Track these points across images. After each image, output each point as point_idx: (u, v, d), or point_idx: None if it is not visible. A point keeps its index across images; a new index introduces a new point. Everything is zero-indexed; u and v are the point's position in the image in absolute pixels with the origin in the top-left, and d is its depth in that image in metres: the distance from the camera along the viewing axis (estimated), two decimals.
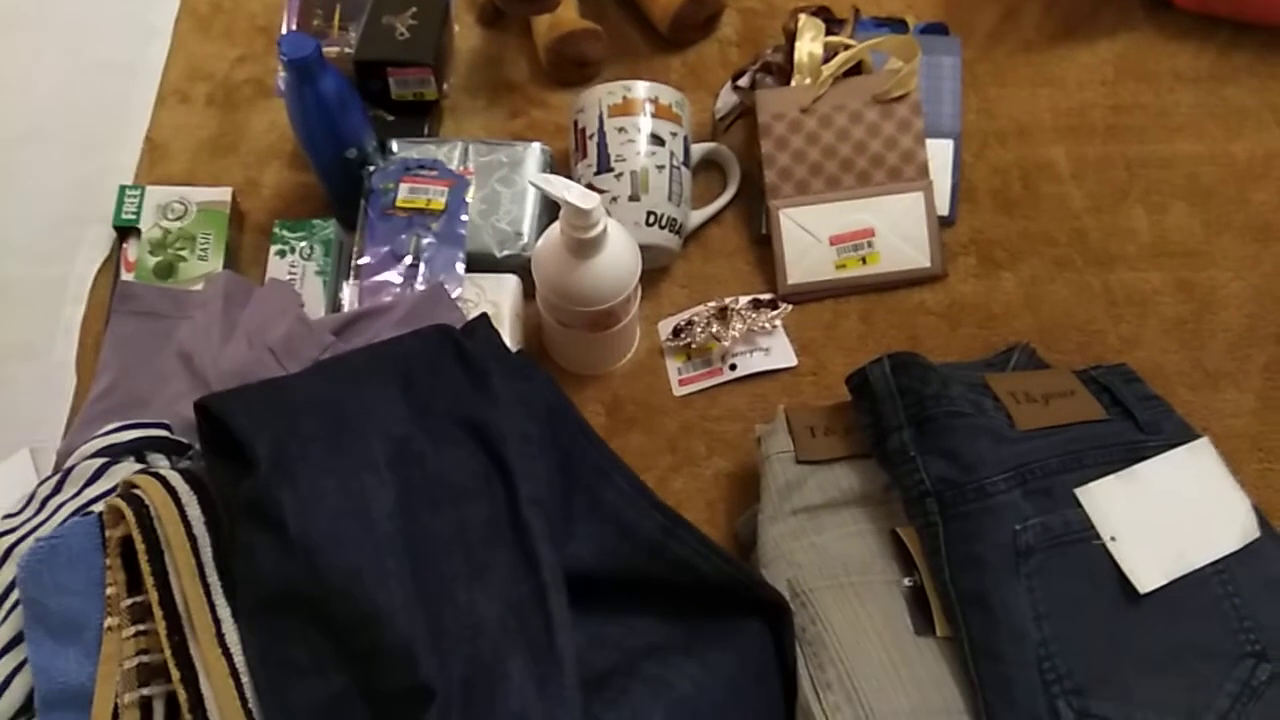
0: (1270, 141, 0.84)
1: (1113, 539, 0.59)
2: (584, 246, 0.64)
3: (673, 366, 0.77)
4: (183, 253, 0.77)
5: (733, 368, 0.76)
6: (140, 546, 0.49)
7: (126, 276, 0.77)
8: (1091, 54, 0.88)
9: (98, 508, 0.56)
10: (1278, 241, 0.80)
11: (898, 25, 0.86)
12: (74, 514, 0.58)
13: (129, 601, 0.51)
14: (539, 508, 0.53)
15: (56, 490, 0.60)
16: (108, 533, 0.51)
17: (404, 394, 0.56)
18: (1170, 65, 0.87)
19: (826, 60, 0.79)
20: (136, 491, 0.51)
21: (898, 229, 0.78)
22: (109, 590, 0.51)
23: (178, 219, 0.78)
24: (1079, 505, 0.60)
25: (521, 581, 0.51)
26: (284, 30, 0.89)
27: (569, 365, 0.76)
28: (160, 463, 0.61)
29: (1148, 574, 0.58)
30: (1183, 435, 0.65)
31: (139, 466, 0.61)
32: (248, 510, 0.50)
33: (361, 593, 0.47)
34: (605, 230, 0.64)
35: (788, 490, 0.64)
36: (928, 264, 0.78)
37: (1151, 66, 0.87)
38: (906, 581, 0.61)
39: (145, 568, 0.50)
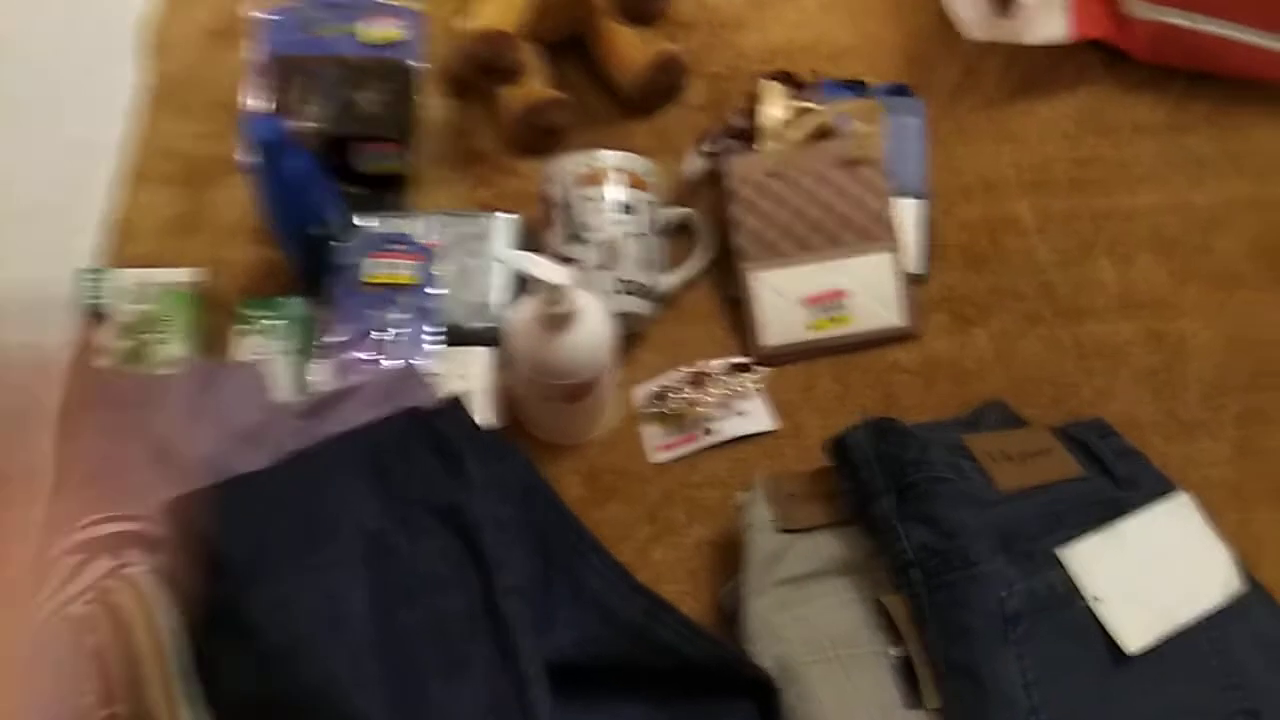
0: (1230, 189, 0.85)
1: (1096, 599, 0.59)
2: (557, 321, 0.64)
3: (650, 433, 0.76)
4: (150, 337, 0.75)
5: (710, 433, 0.76)
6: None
7: (96, 362, 0.75)
8: (1052, 108, 0.89)
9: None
10: (1243, 289, 0.81)
11: (858, 87, 0.87)
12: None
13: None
14: (517, 596, 0.52)
15: None
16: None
17: (376, 484, 0.55)
18: (1130, 117, 0.89)
19: (791, 124, 0.80)
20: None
21: (869, 289, 0.78)
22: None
23: (144, 302, 0.77)
24: (1062, 566, 0.59)
25: (501, 674, 0.50)
26: (245, 105, 0.89)
27: (545, 435, 0.76)
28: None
29: (1134, 634, 0.58)
30: (1161, 489, 0.65)
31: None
32: (220, 620, 0.49)
33: (339, 698, 0.46)
34: (578, 304, 0.64)
35: (770, 561, 0.64)
36: (899, 323, 0.79)
37: (1111, 119, 0.89)
38: (893, 652, 0.60)
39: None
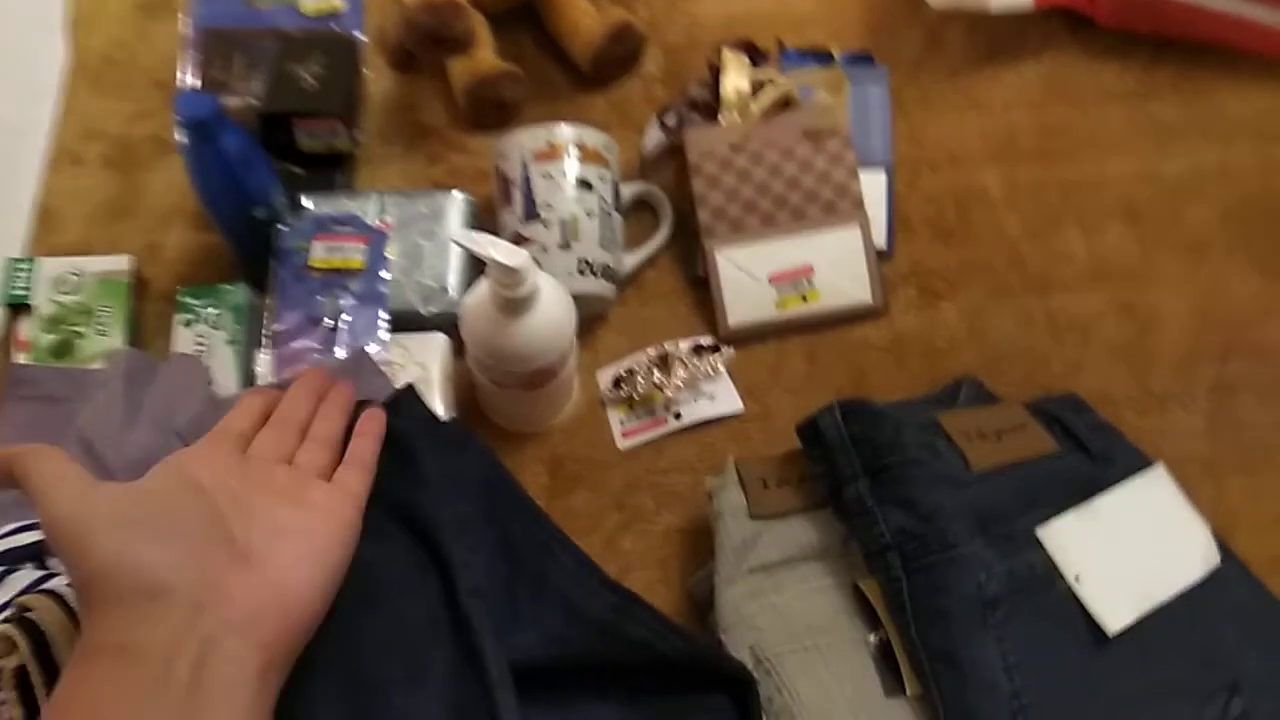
0: (1198, 157, 0.84)
1: (1077, 579, 0.57)
2: (514, 305, 0.61)
3: (615, 418, 0.74)
4: (80, 328, 0.71)
5: (677, 416, 0.73)
6: (36, 679, 0.44)
7: (19, 358, 0.71)
8: (1018, 75, 0.88)
9: None
10: (1212, 257, 0.80)
11: (822, 55, 0.85)
12: None
13: None
14: (479, 599, 0.49)
15: None
16: (1, 662, 0.46)
17: None
18: (1096, 83, 0.87)
19: (753, 94, 0.77)
20: (31, 615, 0.46)
21: (836, 265, 0.76)
22: None
23: (73, 292, 0.72)
24: (1040, 546, 0.58)
25: (464, 681, 0.47)
26: (180, 81, 0.84)
27: (506, 423, 0.73)
28: (61, 569, 0.56)
29: (1115, 613, 0.56)
30: (1136, 463, 0.64)
31: (39, 574, 0.55)
32: None
33: (290, 717, 0.43)
34: (536, 286, 0.60)
35: (743, 548, 0.61)
36: (868, 299, 0.76)
37: (1077, 86, 0.87)
38: (872, 638, 0.58)
39: (42, 699, 0.45)
